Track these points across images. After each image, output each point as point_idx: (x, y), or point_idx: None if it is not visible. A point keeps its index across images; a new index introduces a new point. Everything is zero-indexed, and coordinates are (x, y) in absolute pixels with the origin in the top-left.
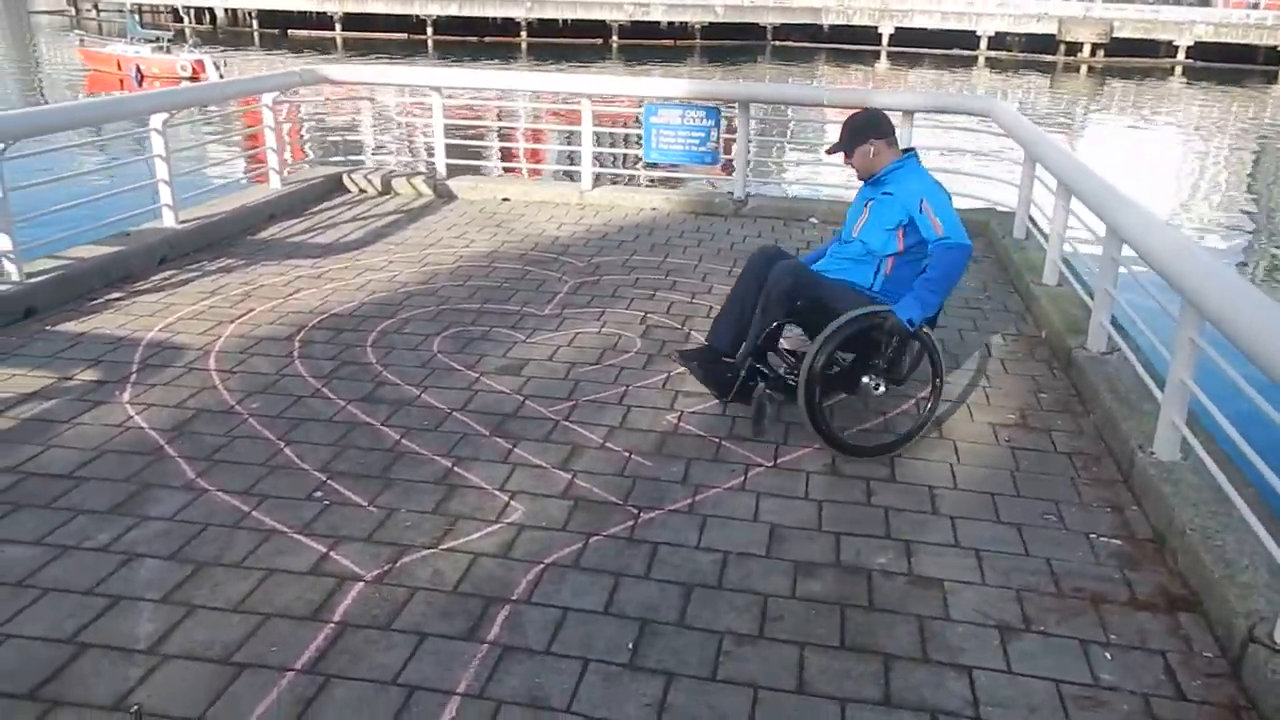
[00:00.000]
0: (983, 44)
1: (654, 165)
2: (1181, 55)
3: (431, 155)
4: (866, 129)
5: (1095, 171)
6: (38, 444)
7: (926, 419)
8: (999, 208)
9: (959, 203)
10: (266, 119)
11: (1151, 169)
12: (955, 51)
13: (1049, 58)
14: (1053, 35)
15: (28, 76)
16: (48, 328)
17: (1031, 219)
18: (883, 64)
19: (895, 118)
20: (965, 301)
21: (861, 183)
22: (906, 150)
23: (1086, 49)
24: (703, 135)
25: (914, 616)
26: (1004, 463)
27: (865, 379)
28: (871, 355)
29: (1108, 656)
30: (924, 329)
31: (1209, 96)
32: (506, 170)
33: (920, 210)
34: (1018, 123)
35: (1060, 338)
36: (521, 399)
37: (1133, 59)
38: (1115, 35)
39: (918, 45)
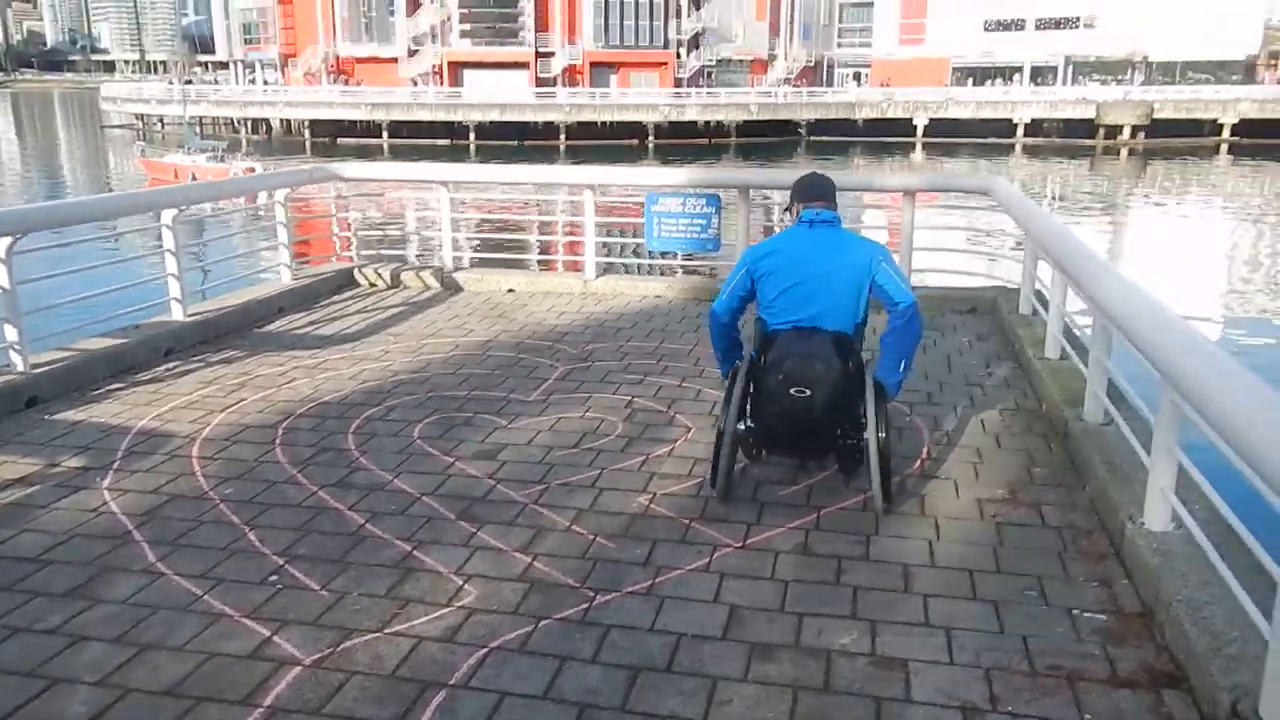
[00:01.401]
0: (1019, 131)
1: (658, 253)
2: (1226, 133)
3: (440, 248)
4: (795, 193)
5: (1078, 240)
6: (12, 529)
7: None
8: (1008, 284)
9: (967, 280)
10: (278, 215)
11: (1199, 249)
12: (992, 140)
13: (1088, 142)
14: (1091, 120)
15: (96, 186)
16: (46, 416)
17: (1040, 294)
18: (918, 154)
19: (896, 198)
20: (965, 379)
21: None
22: (803, 216)
23: (1126, 131)
24: (704, 222)
25: (871, 698)
26: (987, 539)
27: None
28: None
29: None
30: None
31: (1258, 173)
32: (512, 262)
33: None
34: (1014, 199)
35: (1058, 410)
36: (493, 483)
37: (1175, 139)
38: (1156, 116)
39: (953, 135)
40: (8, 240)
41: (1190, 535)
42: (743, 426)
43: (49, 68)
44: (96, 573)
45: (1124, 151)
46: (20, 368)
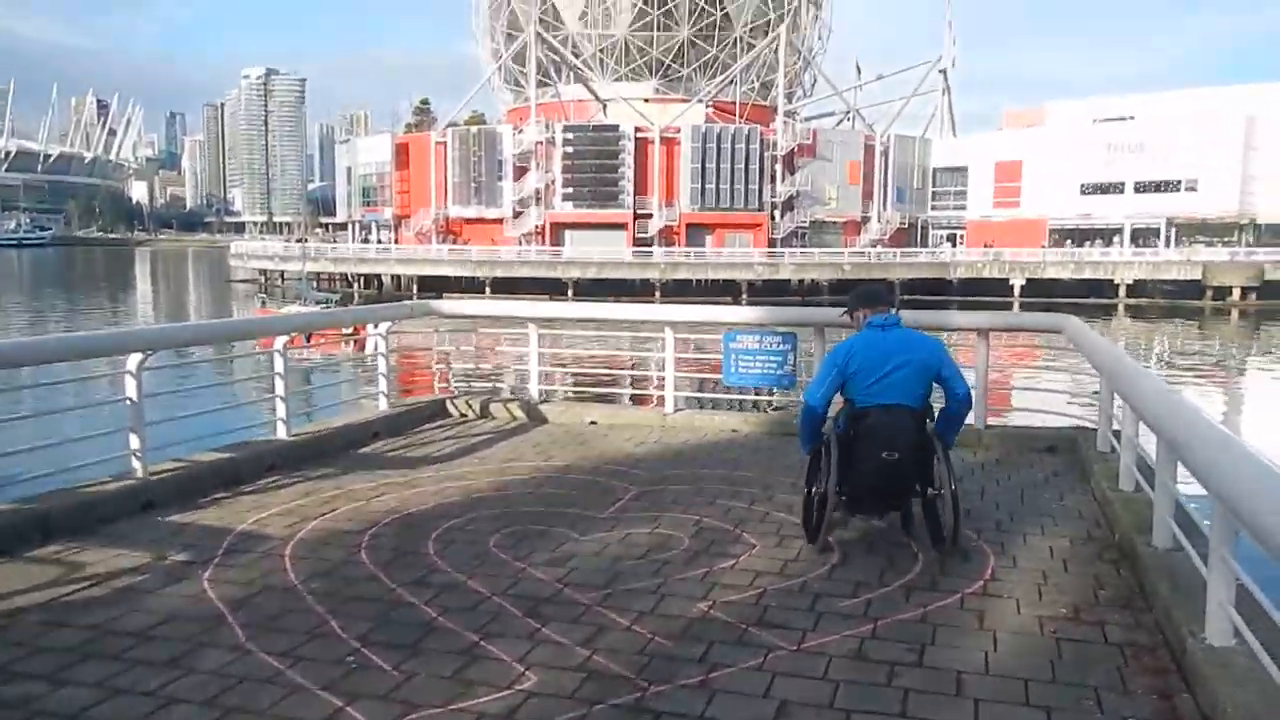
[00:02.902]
0: (1121, 292)
1: (736, 389)
2: None
3: (527, 382)
4: (862, 299)
5: (1139, 367)
6: (121, 609)
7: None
8: (1089, 425)
9: (1047, 420)
10: (379, 346)
11: None
12: (1092, 300)
13: (1195, 303)
14: (1197, 281)
15: None
16: (160, 518)
17: (1119, 432)
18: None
19: (969, 337)
20: (1038, 510)
21: None
22: (870, 319)
23: (1236, 293)
24: (780, 359)
25: None
26: (1046, 652)
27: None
28: None
29: None
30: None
31: None
32: (596, 395)
33: None
34: (1085, 335)
35: (1129, 537)
36: (561, 586)
37: None
38: (1268, 278)
39: (1052, 295)
40: (139, 356)
41: (1251, 650)
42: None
43: (186, 228)
44: (192, 648)
45: (1234, 313)
46: (140, 474)
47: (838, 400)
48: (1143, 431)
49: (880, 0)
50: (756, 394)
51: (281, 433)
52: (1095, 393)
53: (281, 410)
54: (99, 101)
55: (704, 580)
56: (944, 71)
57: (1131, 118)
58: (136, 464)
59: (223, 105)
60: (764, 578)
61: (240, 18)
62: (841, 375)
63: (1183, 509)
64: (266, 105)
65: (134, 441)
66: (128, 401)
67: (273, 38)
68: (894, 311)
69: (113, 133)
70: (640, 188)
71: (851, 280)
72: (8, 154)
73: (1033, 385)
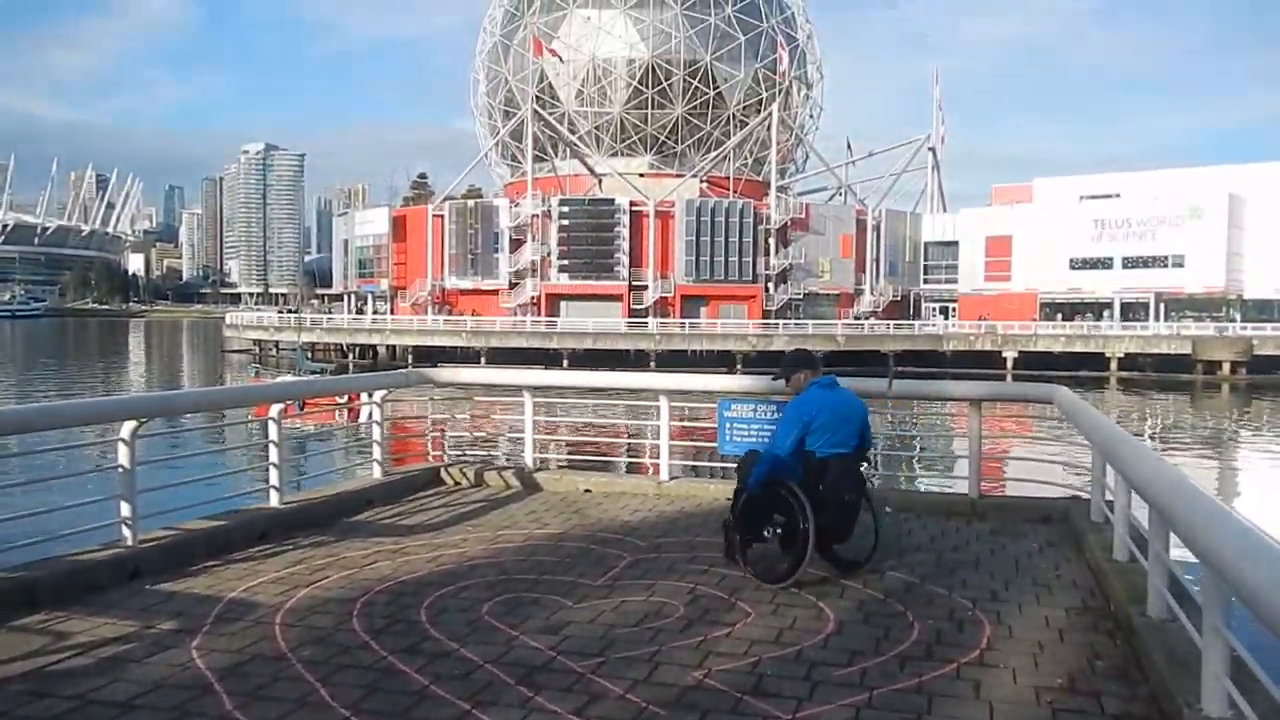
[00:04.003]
0: (1113, 365)
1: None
2: None
3: (522, 450)
4: (801, 363)
5: (1130, 437)
6: (106, 678)
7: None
8: (1082, 494)
9: (1040, 490)
10: (374, 414)
11: None
12: (1084, 373)
13: (1186, 377)
14: (1187, 355)
15: None
16: (147, 587)
17: (1110, 502)
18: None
19: (962, 407)
20: (1033, 580)
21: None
22: (815, 380)
23: (1226, 367)
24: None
25: None
26: None
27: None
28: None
29: None
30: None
31: None
32: (591, 464)
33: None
34: (1076, 406)
35: (1124, 608)
36: (554, 654)
37: (1278, 375)
38: (1256, 352)
39: (1044, 368)
40: (133, 424)
41: None
42: (771, 533)
43: (182, 299)
44: (178, 717)
45: (1224, 387)
46: (129, 542)
47: None
48: (1136, 501)
49: (871, 80)
50: None
51: (274, 500)
52: (1088, 461)
53: (275, 478)
54: (98, 176)
55: (699, 648)
56: (933, 149)
57: (1117, 195)
58: (126, 531)
59: (221, 179)
60: (759, 646)
61: (241, 94)
62: (805, 429)
63: (1177, 579)
64: (265, 179)
65: (124, 509)
66: (120, 469)
67: (272, 113)
68: (829, 372)
69: (111, 206)
70: (635, 260)
71: (846, 351)
72: (5, 227)
73: (1025, 455)
